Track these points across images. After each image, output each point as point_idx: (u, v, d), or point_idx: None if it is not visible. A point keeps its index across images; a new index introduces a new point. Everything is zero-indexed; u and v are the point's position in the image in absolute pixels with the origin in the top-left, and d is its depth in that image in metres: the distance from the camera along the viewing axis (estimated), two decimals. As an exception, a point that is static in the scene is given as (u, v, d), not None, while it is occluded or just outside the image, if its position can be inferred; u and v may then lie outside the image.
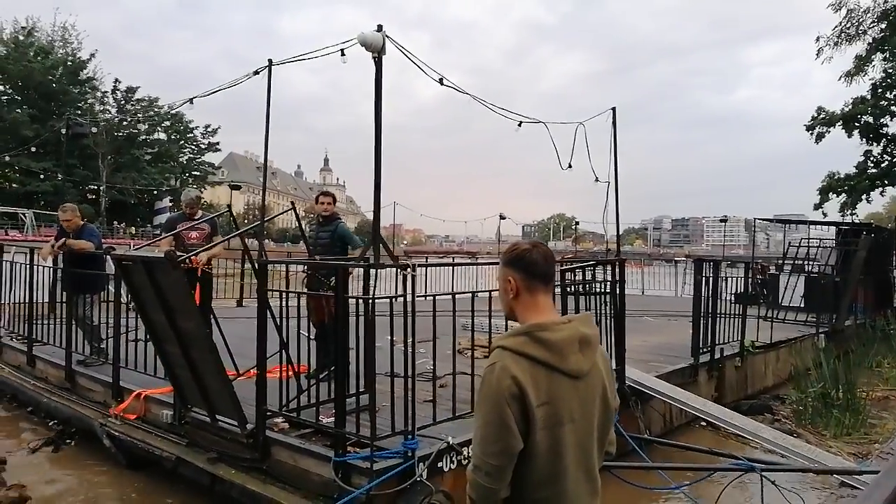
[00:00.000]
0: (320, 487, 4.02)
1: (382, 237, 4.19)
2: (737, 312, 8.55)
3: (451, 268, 11.78)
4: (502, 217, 31.51)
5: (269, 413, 4.48)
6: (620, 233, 6.97)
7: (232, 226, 6.15)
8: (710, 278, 7.64)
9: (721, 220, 43.31)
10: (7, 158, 32.67)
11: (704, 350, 7.68)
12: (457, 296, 4.56)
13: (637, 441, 5.37)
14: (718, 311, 7.84)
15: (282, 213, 5.09)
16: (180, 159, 50.48)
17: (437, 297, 4.54)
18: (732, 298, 9.00)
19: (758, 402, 8.33)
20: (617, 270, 6.10)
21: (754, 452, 6.01)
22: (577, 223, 56.67)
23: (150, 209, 44.02)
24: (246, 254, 5.04)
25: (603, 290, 6.04)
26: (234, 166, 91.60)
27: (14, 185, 41.27)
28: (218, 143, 52.70)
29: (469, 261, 10.90)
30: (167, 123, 47.73)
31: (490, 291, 4.93)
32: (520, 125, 5.10)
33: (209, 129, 50.74)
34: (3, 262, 8.07)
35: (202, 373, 4.53)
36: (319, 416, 4.37)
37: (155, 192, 43.17)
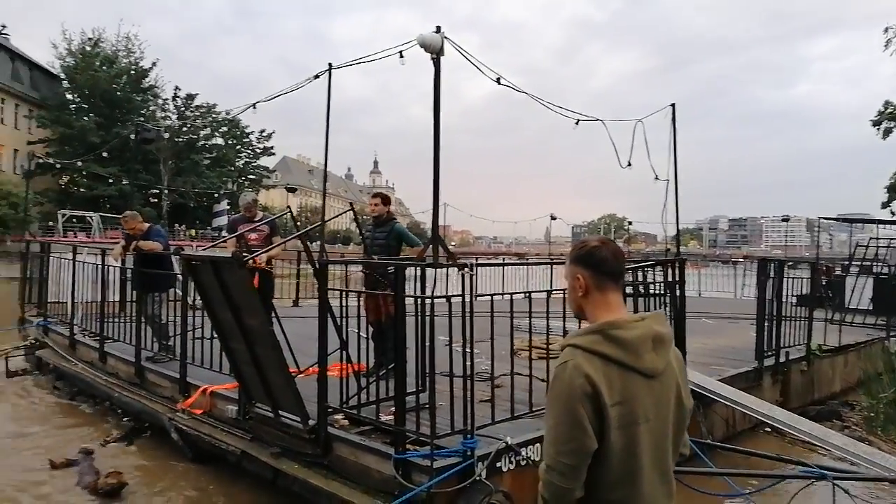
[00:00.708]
0: (381, 484, 4.08)
1: (441, 238, 4.21)
2: (801, 315, 8.23)
3: (501, 269, 11.77)
4: (553, 217, 31.18)
5: (330, 410, 4.57)
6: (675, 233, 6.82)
7: (292, 227, 6.31)
8: (775, 279, 7.38)
9: (783, 220, 41.79)
10: (79, 164, 34.31)
11: (769, 353, 7.43)
12: (508, 297, 4.55)
13: (699, 446, 5.23)
14: (783, 314, 7.57)
15: (340, 215, 5.19)
16: (237, 163, 52.02)
17: (493, 298, 4.55)
18: (795, 300, 8.67)
19: (825, 407, 7.99)
20: (677, 271, 5.96)
21: (822, 460, 5.76)
22: (629, 223, 55.52)
23: (209, 212, 45.48)
24: (307, 255, 5.16)
25: (661, 292, 5.91)
26: (287, 169, 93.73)
27: (82, 190, 43.36)
28: (272, 148, 54.16)
29: (524, 261, 10.84)
30: (224, 129, 49.26)
31: (547, 291, 4.92)
32: (577, 123, 5.05)
33: (264, 134, 52.15)
34: (77, 263, 8.50)
35: (266, 369, 4.66)
36: (379, 413, 4.44)
37: (216, 196, 44.56)
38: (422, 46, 3.66)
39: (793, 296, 8.64)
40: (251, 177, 53.35)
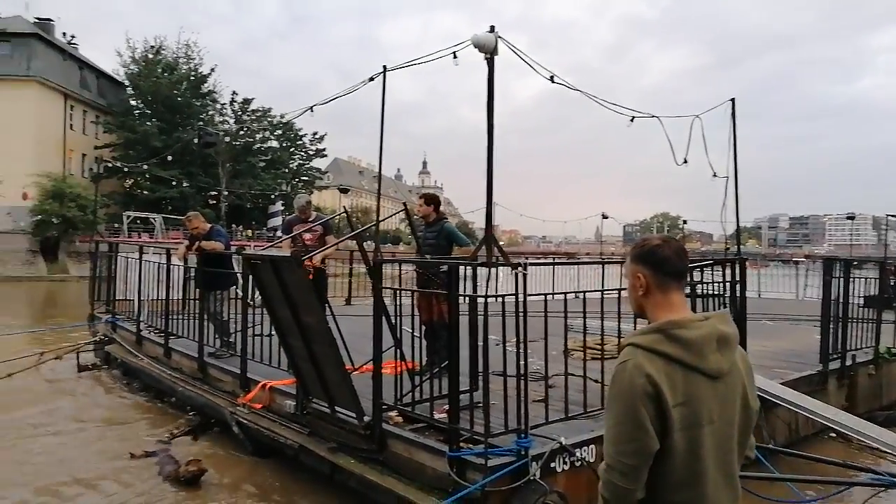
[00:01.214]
0: (435, 481, 4.12)
1: (495, 237, 4.23)
2: (869, 317, 7.87)
3: (551, 268, 11.66)
4: (605, 216, 30.66)
5: (384, 406, 4.64)
6: (734, 232, 6.63)
7: (346, 228, 6.44)
8: (841, 279, 7.08)
9: (847, 217, 39.85)
10: (144, 167, 35.89)
11: (834, 356, 7.13)
12: (558, 297, 4.52)
13: (761, 451, 5.08)
14: (849, 316, 7.26)
15: (394, 214, 5.26)
16: (291, 165, 53.25)
17: (546, 298, 4.53)
18: (862, 301, 8.29)
19: (894, 412, 7.63)
20: (737, 271, 5.79)
21: (892, 467, 5.50)
22: (684, 222, 54.05)
23: (264, 213, 46.72)
24: (362, 254, 5.25)
25: (719, 292, 5.76)
26: (338, 171, 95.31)
27: (145, 192, 45.20)
28: (324, 149, 55.17)
29: (575, 261, 10.73)
30: (279, 132, 50.51)
31: (601, 291, 4.87)
32: (632, 120, 4.97)
33: (317, 136, 53.19)
34: (143, 262, 8.89)
35: (323, 365, 4.77)
36: (432, 411, 4.49)
37: (272, 196, 45.76)
38: (476, 46, 3.69)
39: (859, 297, 8.27)
40: (304, 178, 54.52)
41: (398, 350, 4.76)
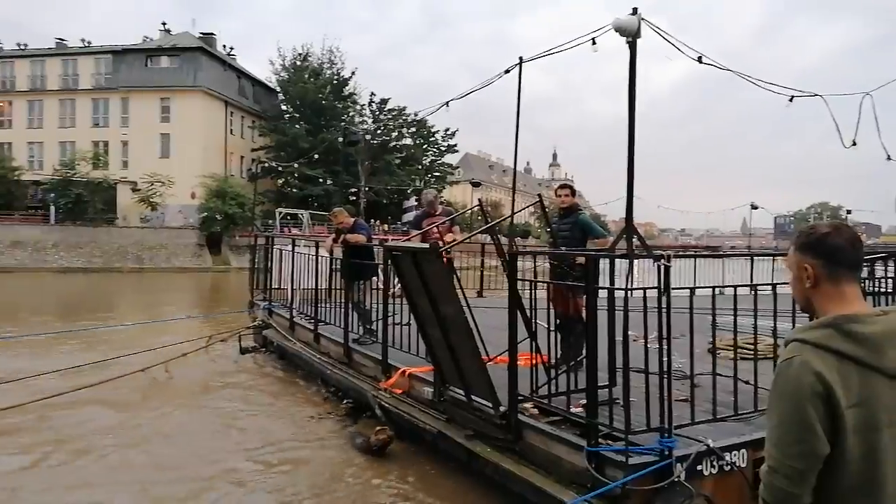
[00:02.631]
0: (572, 475, 4.08)
1: (636, 229, 4.08)
2: None
3: (693, 262, 11.02)
4: (754, 207, 28.30)
5: (520, 398, 4.67)
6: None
7: (481, 221, 6.52)
8: None
9: None
10: (296, 165, 38.77)
11: None
12: (701, 292, 4.27)
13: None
14: None
15: (528, 206, 5.25)
16: (424, 162, 54.87)
17: (692, 292, 4.30)
18: None
19: None
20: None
21: None
22: (848, 212, 48.65)
23: (400, 208, 48.64)
24: (496, 247, 5.31)
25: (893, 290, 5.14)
26: (468, 165, 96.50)
27: (294, 190, 48.76)
28: (455, 145, 56.19)
29: (721, 254, 10.06)
30: (413, 130, 52.22)
31: (751, 286, 4.54)
32: (791, 100, 4.56)
33: (448, 132, 54.32)
34: (294, 254, 9.63)
35: (460, 355, 4.89)
36: (569, 405, 4.44)
37: (409, 191, 47.52)
38: (616, 31, 3.57)
39: None
40: (436, 174, 55.90)
41: (533, 342, 4.76)
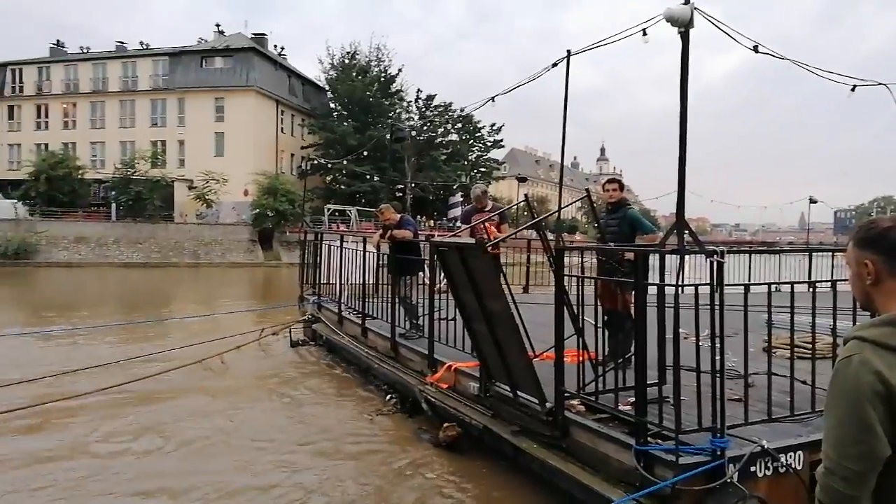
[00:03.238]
0: (621, 474, 4.03)
1: (688, 224, 3.99)
2: None
3: (748, 258, 10.68)
4: (813, 201, 27.14)
5: (566, 395, 4.63)
6: None
7: (527, 216, 6.49)
8: None
9: None
10: (344, 162, 39.36)
11: None
12: (756, 289, 4.14)
13: None
14: None
15: (576, 202, 5.19)
16: (470, 157, 54.81)
17: (747, 288, 4.18)
18: None
19: None
20: None
21: None
22: (916, 206, 46.20)
23: (445, 203, 48.74)
24: (543, 242, 5.28)
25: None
26: (514, 161, 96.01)
27: (342, 187, 49.48)
28: (501, 141, 55.90)
29: (778, 249, 9.71)
30: (459, 125, 52.22)
31: (810, 283, 4.38)
32: (853, 90, 4.37)
33: (494, 128, 54.09)
34: (343, 250, 9.78)
35: (506, 351, 4.89)
36: (617, 403, 4.38)
37: (454, 187, 47.59)
38: (668, 21, 3.49)
39: None
40: (482, 169, 55.75)
41: (580, 339, 4.71)
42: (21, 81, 48.59)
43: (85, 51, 51.29)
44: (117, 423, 6.66)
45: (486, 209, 7.35)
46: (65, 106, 48.03)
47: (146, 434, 6.32)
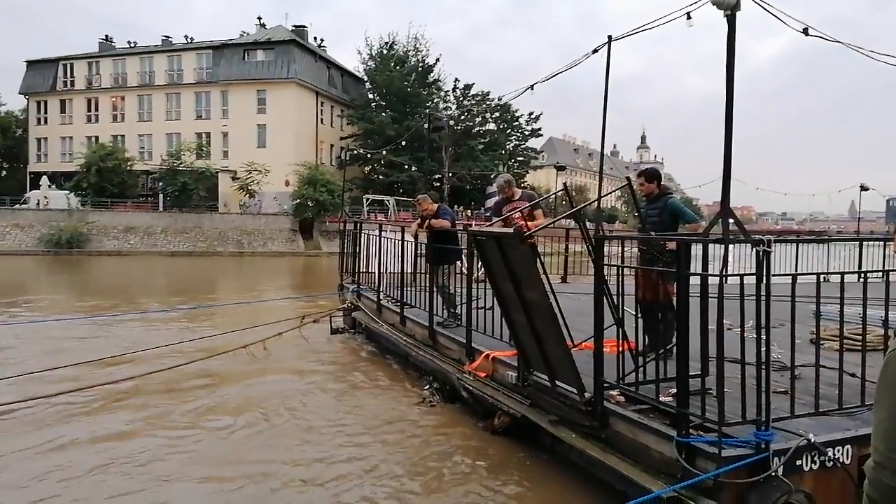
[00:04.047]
0: (661, 465, 4.00)
1: (733, 212, 3.90)
2: None
3: (795, 247, 10.36)
4: (864, 188, 26.05)
5: (606, 385, 4.60)
6: None
7: (567, 205, 6.43)
8: None
9: None
10: (382, 153, 39.64)
11: None
12: (804, 280, 4.02)
13: None
14: None
15: (617, 190, 5.12)
16: (507, 146, 54.47)
17: (795, 279, 4.07)
18: None
19: None
20: None
21: None
22: (978, 194, 43.93)
23: (482, 193, 48.61)
24: (582, 232, 5.23)
25: None
26: (552, 150, 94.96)
27: (380, 177, 49.85)
28: (539, 129, 55.35)
29: (826, 238, 9.38)
30: (496, 114, 51.91)
31: (861, 273, 4.23)
32: (911, 73, 4.18)
33: (532, 116, 53.59)
34: (381, 239, 9.87)
35: (544, 340, 4.88)
36: (658, 394, 4.33)
37: (492, 177, 47.45)
38: (714, 4, 3.40)
39: None
40: (520, 158, 55.37)
41: (620, 329, 4.67)
42: (72, 76, 50.37)
43: (132, 45, 52.78)
44: (183, 404, 6.93)
45: (515, 199, 7.24)
46: (113, 99, 49.60)
47: (208, 415, 6.60)
